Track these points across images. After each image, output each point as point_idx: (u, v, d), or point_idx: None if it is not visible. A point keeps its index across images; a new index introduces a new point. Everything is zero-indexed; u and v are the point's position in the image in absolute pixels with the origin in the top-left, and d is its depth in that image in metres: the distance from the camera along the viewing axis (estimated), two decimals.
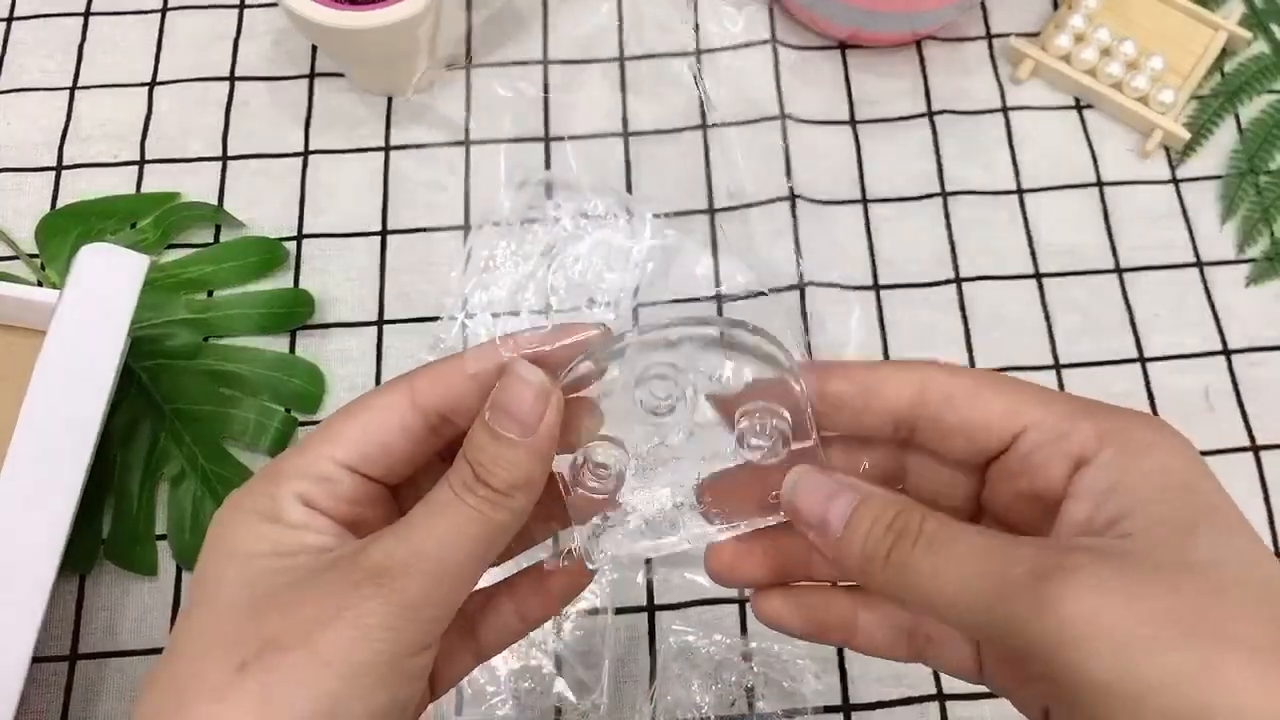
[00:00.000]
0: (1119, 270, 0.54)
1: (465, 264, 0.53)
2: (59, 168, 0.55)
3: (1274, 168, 0.56)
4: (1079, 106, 0.57)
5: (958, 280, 0.53)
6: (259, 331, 0.51)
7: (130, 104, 0.57)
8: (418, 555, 0.25)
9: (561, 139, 0.56)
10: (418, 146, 0.56)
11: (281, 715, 0.23)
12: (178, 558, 0.47)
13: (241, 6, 0.60)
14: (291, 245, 0.54)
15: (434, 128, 0.56)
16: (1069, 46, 0.57)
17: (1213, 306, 0.53)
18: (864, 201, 0.55)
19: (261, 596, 0.25)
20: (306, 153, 0.56)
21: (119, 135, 0.56)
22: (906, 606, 0.26)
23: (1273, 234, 0.54)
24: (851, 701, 0.45)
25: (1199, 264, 0.54)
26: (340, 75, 0.58)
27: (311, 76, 0.58)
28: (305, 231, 0.54)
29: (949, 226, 0.54)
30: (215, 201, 0.55)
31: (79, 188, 0.55)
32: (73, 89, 0.57)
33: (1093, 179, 0.56)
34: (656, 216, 0.54)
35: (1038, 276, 0.53)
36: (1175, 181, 0.56)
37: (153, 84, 0.58)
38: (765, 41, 0.59)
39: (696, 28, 0.59)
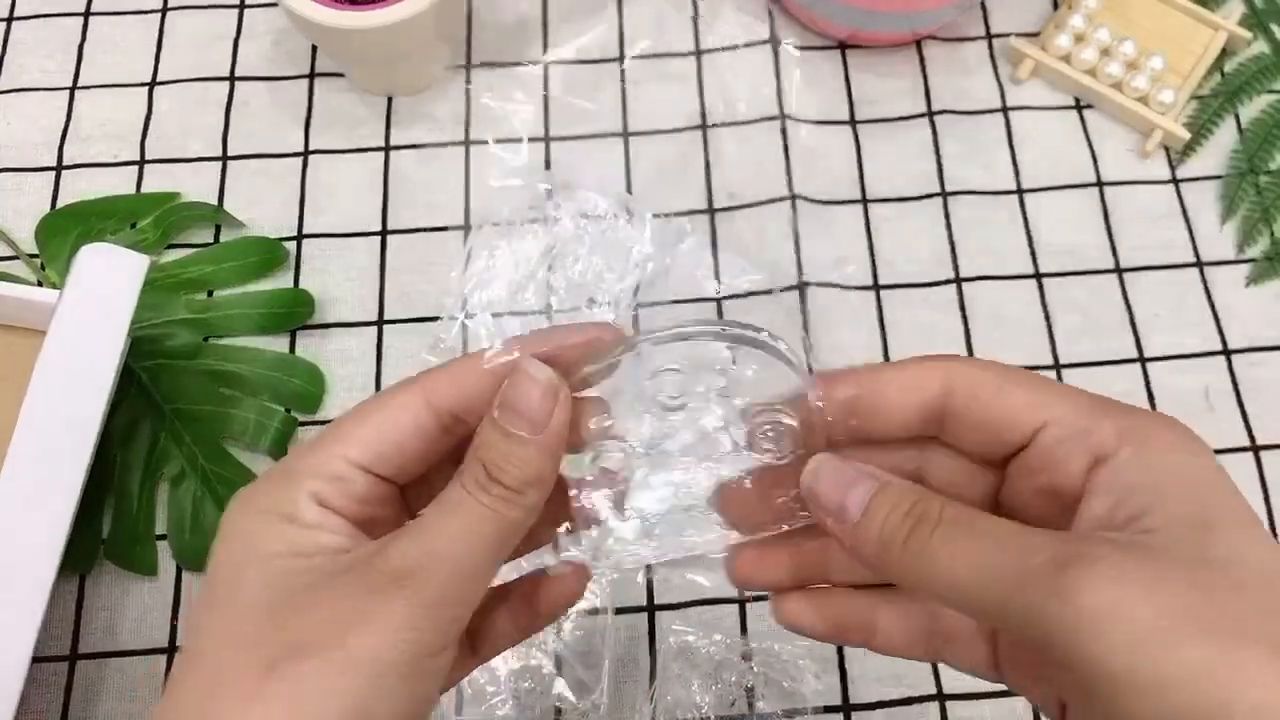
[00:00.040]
0: (1119, 270, 0.54)
1: (465, 264, 0.53)
2: (59, 168, 0.55)
3: (1274, 168, 0.56)
4: (1079, 106, 0.57)
5: (958, 280, 0.53)
6: (259, 331, 0.51)
7: (130, 104, 0.57)
8: (435, 555, 0.25)
9: (561, 139, 0.56)
10: (418, 146, 0.56)
11: (310, 718, 0.24)
12: (178, 558, 0.47)
13: (241, 6, 0.60)
14: (291, 245, 0.54)
15: (434, 128, 0.57)
16: (1069, 46, 0.57)
17: (1213, 306, 0.53)
18: (864, 201, 0.55)
19: (281, 598, 0.25)
20: (306, 153, 0.56)
21: (119, 135, 0.56)
22: (923, 593, 0.26)
23: (1273, 234, 0.54)
24: (851, 701, 0.45)
25: (1199, 264, 0.54)
26: (340, 75, 0.58)
27: (311, 76, 0.58)
28: (305, 231, 0.54)
29: (949, 226, 0.54)
30: (215, 201, 0.55)
31: (79, 188, 0.55)
32: (73, 89, 0.57)
33: (1093, 179, 0.56)
34: (656, 216, 0.54)
35: (1038, 276, 0.53)
36: (1175, 181, 0.56)
37: (153, 84, 0.58)
38: (765, 41, 0.59)
39: (696, 28, 0.59)
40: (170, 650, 0.46)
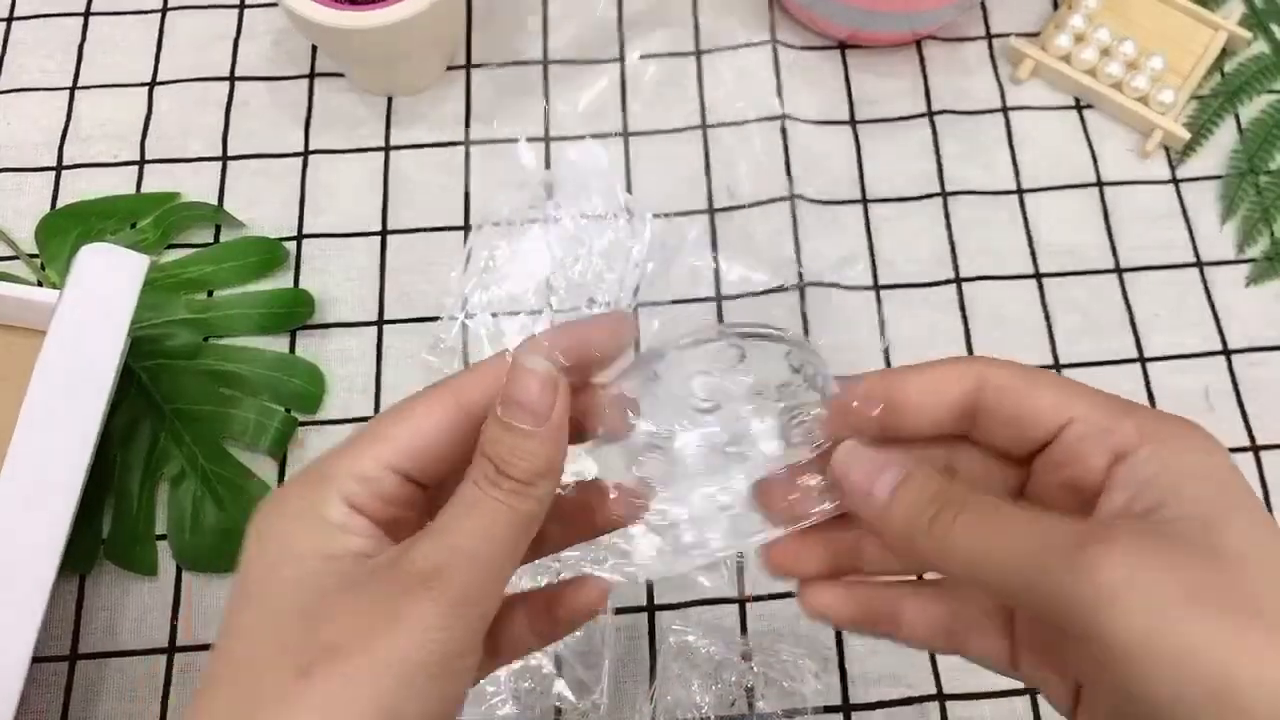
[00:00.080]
0: (1119, 270, 0.54)
1: (465, 264, 0.53)
2: (59, 168, 0.55)
3: (1274, 168, 0.56)
4: (1079, 106, 0.57)
5: (958, 280, 0.53)
6: (259, 331, 0.51)
7: (130, 104, 0.57)
8: (456, 553, 0.26)
9: (562, 139, 0.56)
10: (418, 146, 0.56)
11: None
12: (178, 558, 0.47)
13: (241, 6, 0.60)
14: (291, 245, 0.54)
15: (434, 128, 0.57)
16: (1069, 46, 0.57)
17: (1213, 306, 0.53)
18: (864, 201, 0.55)
19: (313, 600, 0.26)
20: (306, 153, 0.56)
21: (119, 135, 0.56)
22: (946, 573, 0.28)
23: (1273, 234, 0.54)
24: (851, 701, 0.45)
25: (1199, 264, 0.54)
26: (340, 75, 0.58)
27: (311, 76, 0.58)
28: (305, 231, 0.54)
29: (949, 226, 0.54)
30: (215, 201, 0.55)
31: (79, 188, 0.55)
32: (73, 89, 0.57)
33: (1093, 179, 0.56)
34: (656, 216, 0.54)
35: (1038, 276, 0.53)
36: (1175, 181, 0.56)
37: (153, 84, 0.58)
38: (765, 41, 0.58)
39: (696, 27, 0.59)
40: (170, 650, 0.46)
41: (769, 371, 0.30)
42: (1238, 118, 0.57)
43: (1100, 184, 0.55)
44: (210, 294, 0.52)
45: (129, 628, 0.46)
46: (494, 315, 0.51)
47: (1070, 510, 0.28)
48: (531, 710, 0.44)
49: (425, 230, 0.54)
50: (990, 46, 0.59)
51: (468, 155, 0.56)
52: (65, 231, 0.52)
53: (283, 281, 0.53)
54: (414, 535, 0.27)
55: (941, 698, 0.45)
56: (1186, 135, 0.55)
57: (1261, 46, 0.59)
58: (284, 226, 0.54)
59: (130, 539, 0.47)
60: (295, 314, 0.52)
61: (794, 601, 0.46)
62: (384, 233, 0.54)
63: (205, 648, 0.46)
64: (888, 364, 0.51)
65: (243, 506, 0.47)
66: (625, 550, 0.31)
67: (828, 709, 0.45)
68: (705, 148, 0.56)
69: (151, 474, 0.48)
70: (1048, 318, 0.52)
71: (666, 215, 0.54)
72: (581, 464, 0.30)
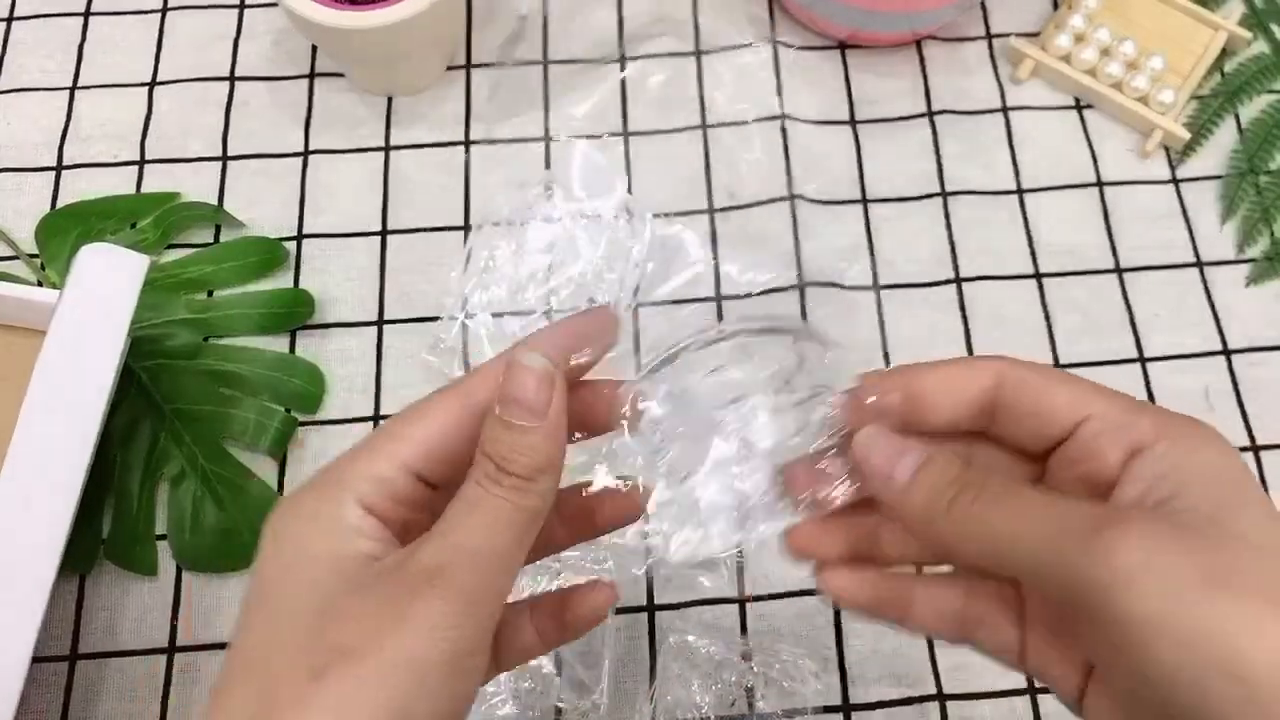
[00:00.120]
0: (1119, 270, 0.54)
1: (465, 264, 0.53)
2: (59, 168, 0.55)
3: (1274, 168, 0.56)
4: (1079, 106, 0.57)
5: (958, 280, 0.53)
6: (259, 331, 0.51)
7: (130, 104, 0.57)
8: (460, 551, 0.26)
9: (563, 139, 0.56)
10: (418, 146, 0.56)
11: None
12: (177, 558, 0.47)
13: (241, 6, 0.60)
14: (291, 245, 0.54)
15: (434, 128, 0.57)
16: (1069, 46, 0.57)
17: (1213, 306, 0.53)
18: (864, 201, 0.55)
19: (326, 601, 0.26)
20: (306, 153, 0.56)
21: (119, 135, 0.56)
22: (964, 556, 0.28)
23: (1273, 234, 0.54)
24: (851, 701, 0.45)
25: (1199, 264, 0.54)
26: (340, 75, 0.58)
27: (311, 76, 0.58)
28: (305, 231, 0.54)
29: (949, 226, 0.54)
30: (215, 201, 0.55)
31: (79, 188, 0.55)
32: (73, 89, 0.57)
33: (1093, 179, 0.56)
34: (656, 216, 0.54)
35: (1038, 276, 0.53)
36: (1175, 181, 0.56)
37: (153, 84, 0.58)
38: (765, 41, 0.58)
39: (696, 27, 0.59)
40: (170, 650, 0.46)
41: (782, 363, 0.31)
42: (1238, 118, 0.57)
43: (1100, 184, 0.55)
44: (210, 294, 0.52)
45: (129, 628, 0.46)
46: (494, 315, 0.51)
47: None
48: (531, 710, 0.44)
49: (425, 230, 0.54)
50: (990, 46, 0.59)
51: (468, 155, 0.56)
52: (65, 231, 0.52)
53: (283, 281, 0.53)
54: (421, 537, 0.27)
55: (941, 698, 0.45)
56: (1186, 135, 0.55)
57: (1261, 46, 0.59)
58: (284, 226, 0.54)
59: (130, 539, 0.47)
60: (295, 314, 0.52)
61: (794, 601, 0.47)
62: (384, 233, 0.54)
63: (205, 648, 0.46)
64: (887, 364, 0.51)
65: (243, 506, 0.47)
66: (649, 546, 0.31)
67: (828, 709, 0.45)
68: (705, 148, 0.56)
69: (151, 474, 0.48)
70: (1048, 318, 0.52)
71: (666, 215, 0.54)
72: (577, 459, 0.31)
